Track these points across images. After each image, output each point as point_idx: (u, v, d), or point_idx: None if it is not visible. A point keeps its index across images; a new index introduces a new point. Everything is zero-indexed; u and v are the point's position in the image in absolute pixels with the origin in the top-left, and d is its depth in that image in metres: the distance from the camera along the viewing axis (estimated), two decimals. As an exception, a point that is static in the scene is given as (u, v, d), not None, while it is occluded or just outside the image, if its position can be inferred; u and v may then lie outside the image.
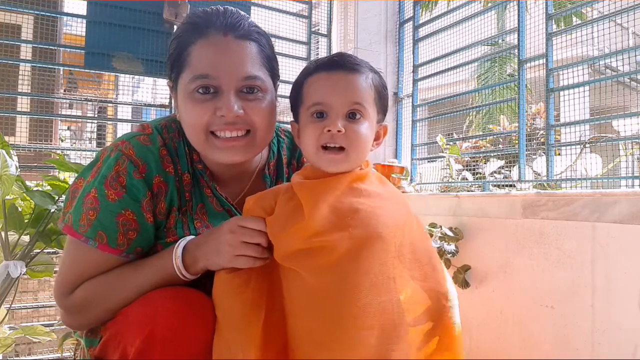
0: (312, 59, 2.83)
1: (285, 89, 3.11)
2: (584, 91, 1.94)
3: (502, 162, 2.44)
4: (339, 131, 0.90)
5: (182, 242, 0.97)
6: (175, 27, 2.26)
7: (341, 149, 0.92)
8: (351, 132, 0.91)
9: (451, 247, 2.02)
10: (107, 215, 0.96)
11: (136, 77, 2.55)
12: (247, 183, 1.16)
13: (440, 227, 2.08)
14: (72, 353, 2.05)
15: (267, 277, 0.93)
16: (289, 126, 1.09)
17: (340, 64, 0.95)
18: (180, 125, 1.07)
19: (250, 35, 1.02)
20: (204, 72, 0.98)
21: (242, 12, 1.05)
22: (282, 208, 0.94)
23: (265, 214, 0.95)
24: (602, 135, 1.95)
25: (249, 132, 1.02)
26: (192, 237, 1.00)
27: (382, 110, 1.00)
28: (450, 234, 2.04)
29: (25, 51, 2.61)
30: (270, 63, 1.06)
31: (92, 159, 1.06)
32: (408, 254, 0.90)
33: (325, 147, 0.92)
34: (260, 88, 1.02)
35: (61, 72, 2.88)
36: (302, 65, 2.81)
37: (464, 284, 1.98)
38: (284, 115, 3.51)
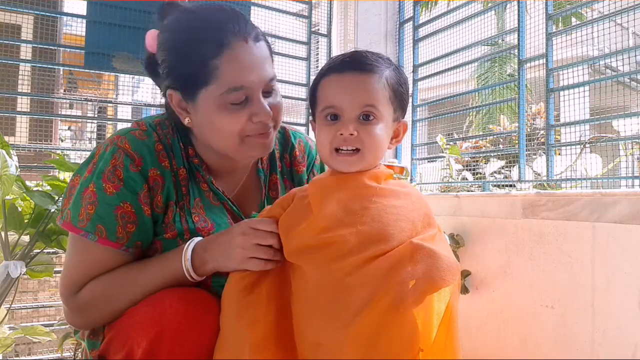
0: (312, 59, 2.83)
1: (285, 89, 3.08)
2: (584, 91, 1.94)
3: (502, 162, 2.44)
4: (351, 134, 0.90)
5: (190, 244, 0.97)
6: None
7: (356, 150, 0.92)
8: (364, 134, 0.91)
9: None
10: (105, 209, 0.97)
11: (136, 77, 2.55)
12: (242, 177, 1.17)
13: (443, 232, 2.08)
14: (72, 353, 2.05)
15: (278, 279, 0.93)
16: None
17: (352, 65, 0.94)
18: (174, 122, 1.08)
19: (259, 35, 1.03)
20: (239, 85, 0.98)
21: (235, 9, 1.04)
22: (296, 205, 0.95)
23: (283, 211, 0.96)
24: (602, 135, 1.95)
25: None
26: (200, 238, 1.00)
27: (400, 107, 0.98)
28: (449, 242, 2.03)
29: (25, 51, 2.61)
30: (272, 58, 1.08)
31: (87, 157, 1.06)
32: (419, 254, 0.89)
33: (338, 150, 0.92)
34: (275, 87, 1.05)
35: (61, 72, 2.88)
36: (302, 65, 2.81)
37: (462, 289, 1.97)
38: (284, 115, 3.51)
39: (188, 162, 1.08)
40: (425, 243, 0.85)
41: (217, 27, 0.98)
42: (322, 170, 1.28)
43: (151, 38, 1.07)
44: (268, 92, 1.03)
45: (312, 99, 1.00)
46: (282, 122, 1.13)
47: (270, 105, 1.02)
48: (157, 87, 1.12)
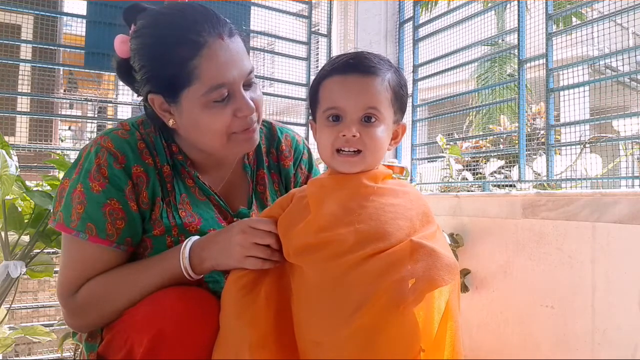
0: (312, 59, 2.83)
1: (285, 89, 3.08)
2: (584, 91, 1.94)
3: (502, 162, 2.44)
4: (353, 136, 0.91)
5: (188, 243, 0.98)
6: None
7: (357, 151, 0.92)
8: (366, 136, 0.92)
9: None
10: (93, 207, 0.98)
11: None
12: (228, 172, 1.17)
13: (442, 231, 2.07)
14: (72, 353, 2.05)
15: (278, 279, 0.94)
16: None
17: (356, 67, 0.94)
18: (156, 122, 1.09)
19: (233, 29, 1.03)
20: (220, 82, 0.98)
21: (205, 6, 1.04)
22: (295, 205, 0.96)
23: (283, 211, 0.97)
24: (602, 135, 1.95)
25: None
26: (197, 237, 1.00)
27: (400, 109, 0.99)
28: (449, 241, 2.03)
29: (25, 51, 2.61)
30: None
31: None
32: (419, 252, 0.88)
33: (339, 150, 0.93)
34: (254, 79, 1.06)
35: (61, 72, 2.88)
36: (302, 65, 2.81)
37: (462, 288, 1.97)
38: (284, 115, 3.52)
39: (172, 158, 1.09)
40: (425, 241, 0.85)
41: (191, 28, 0.98)
42: (309, 165, 1.29)
43: (121, 43, 1.07)
44: (248, 85, 1.04)
45: (313, 100, 1.00)
46: (281, 121, 1.13)
47: (252, 99, 1.03)
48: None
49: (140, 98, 1.09)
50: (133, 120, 1.10)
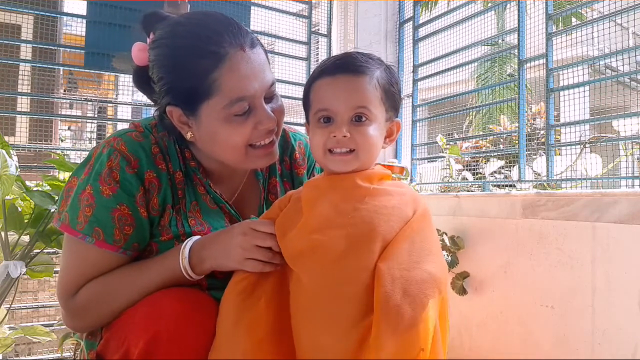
0: (312, 59, 2.83)
1: (285, 89, 3.08)
2: (584, 91, 1.94)
3: (502, 162, 2.44)
4: (344, 136, 0.90)
5: (188, 243, 0.97)
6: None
7: (351, 150, 0.92)
8: (358, 135, 0.91)
9: (448, 258, 2.01)
10: (102, 211, 0.96)
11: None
12: (241, 180, 1.16)
13: (445, 233, 2.07)
14: (72, 353, 2.05)
15: (278, 283, 0.93)
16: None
17: (344, 67, 0.94)
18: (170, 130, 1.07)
19: (254, 40, 1.01)
20: (241, 95, 0.96)
21: (226, 15, 1.02)
22: (291, 208, 0.95)
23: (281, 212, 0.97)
24: (602, 135, 1.95)
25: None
26: (198, 237, 0.99)
27: (392, 107, 0.99)
28: (449, 243, 2.02)
29: (25, 51, 2.61)
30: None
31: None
32: (413, 252, 0.88)
33: (331, 150, 0.93)
34: (276, 91, 1.04)
35: (61, 72, 2.89)
36: (302, 65, 2.81)
37: (461, 291, 1.97)
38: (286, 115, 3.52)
39: (185, 165, 1.07)
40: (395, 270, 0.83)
41: (211, 39, 0.95)
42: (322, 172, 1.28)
43: (139, 51, 1.03)
44: (270, 97, 1.02)
45: (305, 102, 1.00)
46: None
47: (273, 110, 1.02)
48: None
49: (143, 101, 1.07)
50: (146, 122, 1.07)
